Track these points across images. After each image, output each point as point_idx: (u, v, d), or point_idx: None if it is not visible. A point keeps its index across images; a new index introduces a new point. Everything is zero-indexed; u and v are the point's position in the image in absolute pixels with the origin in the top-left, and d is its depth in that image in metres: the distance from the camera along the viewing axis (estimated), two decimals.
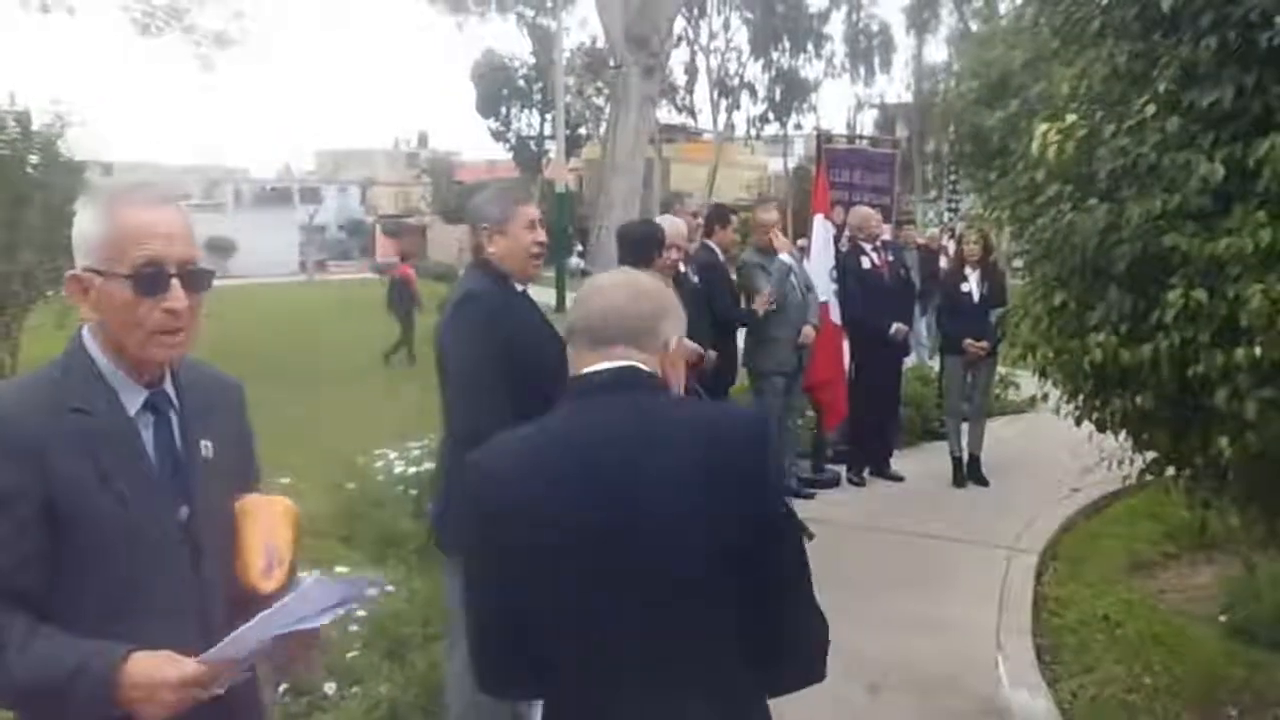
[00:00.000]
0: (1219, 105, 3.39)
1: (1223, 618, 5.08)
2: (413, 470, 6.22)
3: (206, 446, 1.77)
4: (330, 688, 3.82)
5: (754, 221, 7.29)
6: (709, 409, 1.84)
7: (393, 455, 6.55)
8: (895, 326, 7.50)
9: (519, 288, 3.33)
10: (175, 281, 1.66)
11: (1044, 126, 3.67)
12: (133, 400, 1.70)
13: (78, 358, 1.70)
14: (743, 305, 6.76)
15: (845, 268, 7.63)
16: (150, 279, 1.64)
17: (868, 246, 7.67)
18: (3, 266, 11.23)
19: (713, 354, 6.02)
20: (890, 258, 7.80)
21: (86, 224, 1.68)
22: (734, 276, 6.85)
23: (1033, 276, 4.40)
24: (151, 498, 1.66)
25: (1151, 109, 3.50)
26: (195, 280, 1.70)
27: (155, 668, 1.53)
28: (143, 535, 1.63)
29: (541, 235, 3.30)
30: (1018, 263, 6.23)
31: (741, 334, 6.85)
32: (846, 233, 7.97)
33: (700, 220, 6.75)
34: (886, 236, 8.20)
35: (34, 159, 12.22)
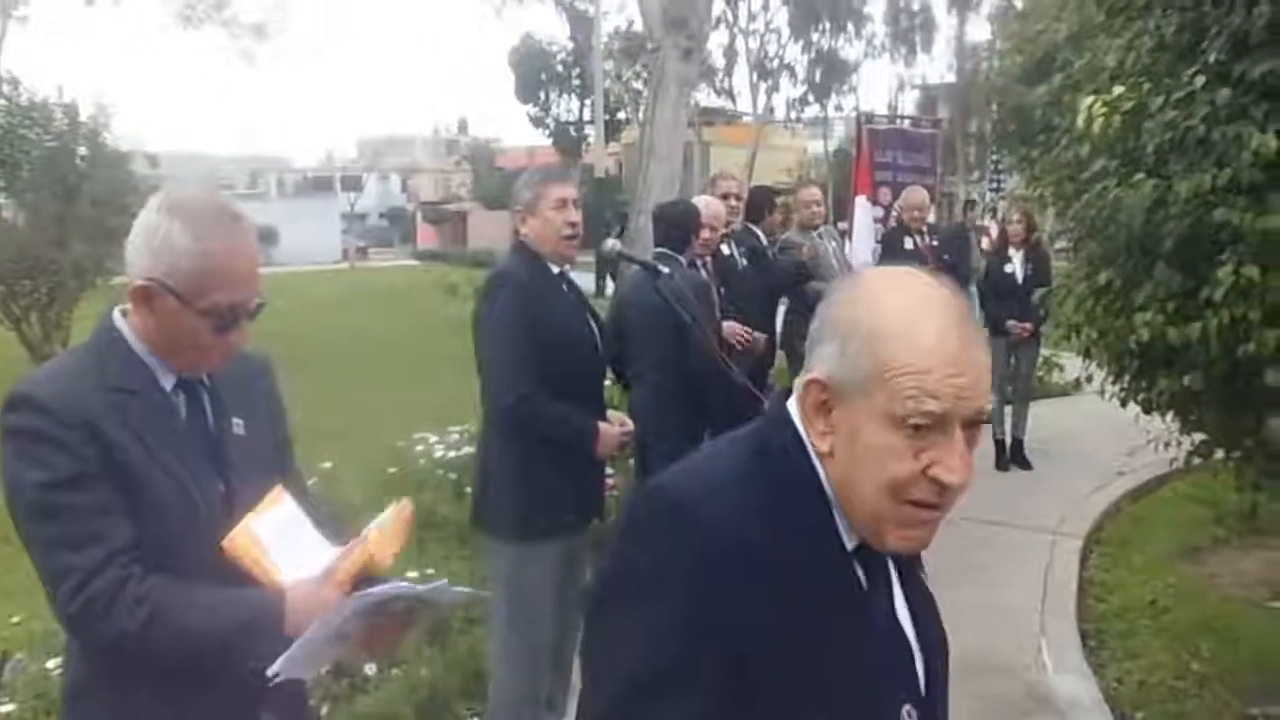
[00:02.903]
0: (1272, 76, 3.30)
1: (1274, 603, 4.98)
2: (453, 454, 6.27)
3: (238, 424, 1.79)
4: (371, 669, 3.85)
5: (797, 201, 7.28)
6: None
7: (433, 439, 6.60)
8: None
9: (555, 270, 3.32)
10: (244, 319, 1.71)
11: (1089, 100, 3.60)
12: (167, 380, 1.73)
13: (112, 340, 1.72)
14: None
15: (887, 246, 7.57)
16: (229, 322, 1.69)
17: (913, 228, 7.60)
18: (54, 257, 11.42)
19: (761, 336, 6.02)
20: (934, 242, 7.72)
21: (171, 241, 1.65)
22: (775, 257, 6.82)
23: (1077, 255, 4.32)
24: (192, 473, 1.69)
25: (1201, 80, 3.41)
26: (257, 313, 1.74)
27: (310, 598, 1.63)
28: (189, 508, 1.66)
29: (574, 215, 3.26)
30: (1062, 242, 6.12)
31: (779, 318, 6.84)
32: (894, 211, 7.91)
33: (734, 202, 6.66)
34: (931, 219, 8.12)
35: (82, 150, 12.42)
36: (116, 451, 1.61)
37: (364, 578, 1.73)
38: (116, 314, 1.74)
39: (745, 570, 1.14)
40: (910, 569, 1.32)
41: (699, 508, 1.17)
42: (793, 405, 1.26)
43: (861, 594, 1.23)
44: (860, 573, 1.23)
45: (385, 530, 1.77)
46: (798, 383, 1.24)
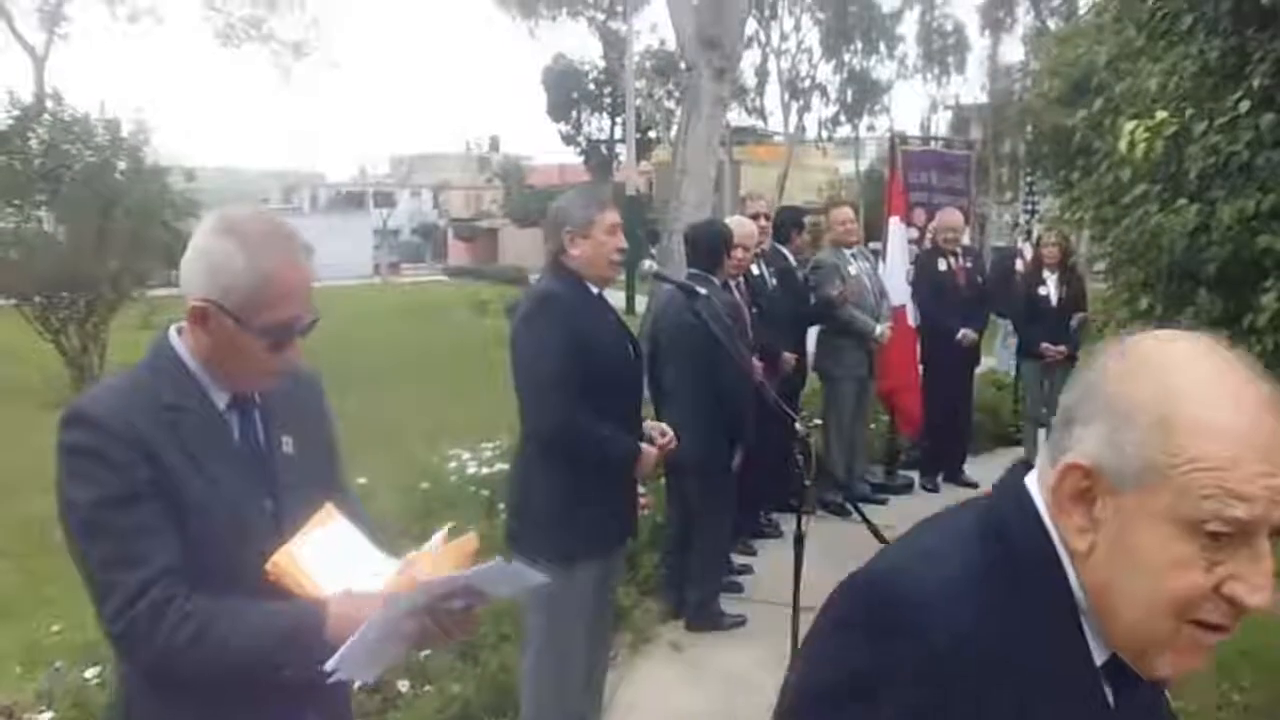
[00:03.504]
0: None
1: None
2: (485, 471, 6.29)
3: (287, 442, 1.81)
4: (404, 686, 3.86)
5: (830, 220, 7.27)
6: None
7: (466, 456, 6.62)
8: (962, 332, 7.39)
9: (594, 290, 3.34)
10: (298, 337, 1.74)
11: (1132, 124, 3.57)
12: (220, 398, 1.75)
13: (167, 358, 1.74)
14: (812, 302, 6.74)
15: (921, 269, 7.54)
16: (285, 339, 1.72)
17: (947, 250, 7.57)
18: (91, 270, 11.59)
19: (791, 357, 6.03)
20: (968, 264, 7.68)
21: (225, 262, 1.67)
22: (806, 278, 6.83)
23: (1116, 281, 4.28)
24: (242, 491, 1.71)
25: (1245, 105, 3.38)
26: (310, 329, 1.77)
27: (354, 610, 1.61)
28: (238, 526, 1.68)
29: (623, 240, 3.31)
30: (1099, 266, 6.07)
31: (811, 339, 6.84)
32: (928, 234, 7.88)
33: (764, 221, 6.66)
34: (965, 241, 8.08)
35: (121, 165, 12.62)
36: (167, 469, 1.63)
37: None
38: (172, 332, 1.76)
39: (976, 684, 0.95)
40: (1153, 683, 1.08)
41: (927, 608, 0.98)
42: (1032, 483, 1.05)
43: (1109, 716, 1.03)
44: (1109, 692, 1.03)
45: (440, 559, 1.77)
46: (1041, 461, 1.05)
